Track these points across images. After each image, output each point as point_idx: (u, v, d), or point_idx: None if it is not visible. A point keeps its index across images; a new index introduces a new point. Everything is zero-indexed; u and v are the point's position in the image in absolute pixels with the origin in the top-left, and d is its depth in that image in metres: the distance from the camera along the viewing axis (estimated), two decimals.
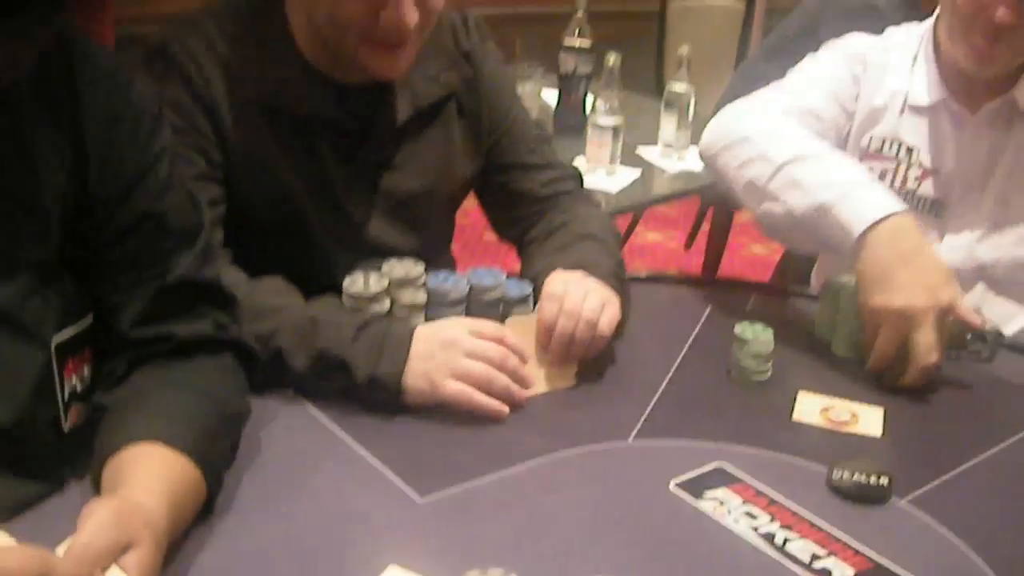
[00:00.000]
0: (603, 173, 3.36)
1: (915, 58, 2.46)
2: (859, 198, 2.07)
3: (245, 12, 2.04)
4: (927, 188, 2.43)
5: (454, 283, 1.92)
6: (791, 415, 1.85)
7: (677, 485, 1.60)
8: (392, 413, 1.75)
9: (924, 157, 2.43)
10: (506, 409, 1.77)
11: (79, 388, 1.52)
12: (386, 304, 1.87)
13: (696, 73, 3.82)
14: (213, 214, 1.86)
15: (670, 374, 1.95)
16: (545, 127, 2.39)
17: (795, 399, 1.89)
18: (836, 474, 1.63)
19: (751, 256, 5.60)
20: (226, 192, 2.00)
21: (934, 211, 2.43)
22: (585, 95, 3.73)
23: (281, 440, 1.66)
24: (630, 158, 3.56)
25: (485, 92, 2.25)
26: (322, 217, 2.08)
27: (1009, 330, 2.25)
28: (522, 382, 1.82)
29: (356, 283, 1.86)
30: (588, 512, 1.56)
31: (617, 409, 1.82)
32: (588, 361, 1.91)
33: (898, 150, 2.45)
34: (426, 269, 1.92)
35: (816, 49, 2.58)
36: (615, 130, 3.36)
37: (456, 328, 1.81)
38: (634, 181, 3.44)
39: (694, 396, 1.89)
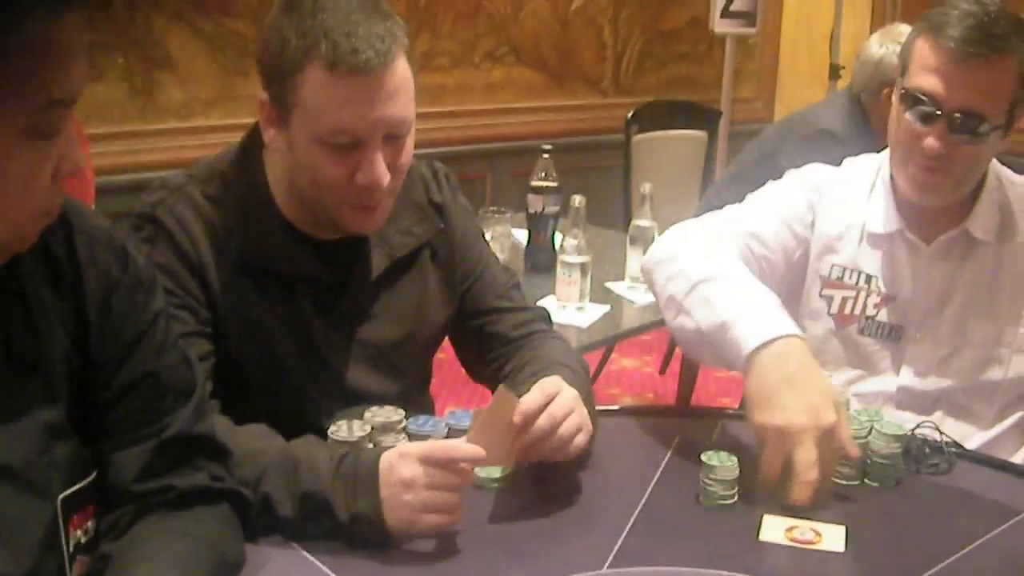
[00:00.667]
0: (573, 309, 3.46)
1: (872, 187, 2.54)
2: (755, 319, 2.14)
3: (227, 175, 2.15)
4: (885, 314, 2.52)
5: (433, 426, 2.03)
6: (758, 535, 1.92)
7: None
8: (380, 546, 1.81)
9: (882, 284, 2.51)
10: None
11: (83, 541, 1.59)
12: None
13: (663, 202, 3.94)
14: (203, 369, 1.92)
15: (642, 502, 2.01)
16: (514, 270, 2.49)
17: (760, 521, 1.95)
18: None
19: (726, 377, 5.67)
20: (214, 347, 2.08)
21: (893, 337, 2.51)
22: (554, 233, 3.83)
23: None
24: (599, 293, 3.66)
25: (457, 242, 2.35)
26: (304, 367, 2.16)
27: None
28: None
29: (340, 430, 1.95)
30: None
31: (591, 538, 1.88)
32: (555, 484, 2.01)
33: (858, 278, 2.53)
34: (406, 414, 2.02)
35: (777, 176, 2.66)
36: (583, 267, 3.46)
37: (410, 467, 1.80)
38: (604, 315, 3.54)
39: (665, 523, 1.95)
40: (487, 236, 3.29)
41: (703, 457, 2.04)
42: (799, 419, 1.98)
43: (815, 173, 2.64)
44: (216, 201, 2.12)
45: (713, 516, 1.99)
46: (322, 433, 1.99)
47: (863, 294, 2.54)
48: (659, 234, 3.59)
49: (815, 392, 2.03)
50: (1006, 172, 2.56)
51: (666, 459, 2.19)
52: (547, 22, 6.71)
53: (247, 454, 1.85)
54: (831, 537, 1.91)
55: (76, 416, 1.59)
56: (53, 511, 1.53)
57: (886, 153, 2.53)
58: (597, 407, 2.20)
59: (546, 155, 3.80)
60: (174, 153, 5.07)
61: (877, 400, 2.48)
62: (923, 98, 2.33)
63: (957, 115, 2.31)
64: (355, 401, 2.17)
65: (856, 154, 2.68)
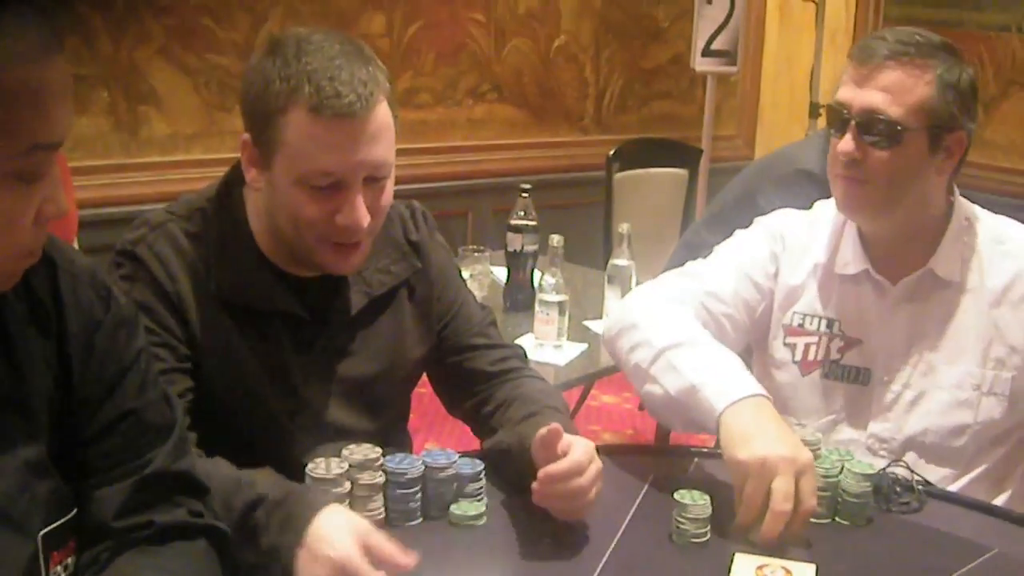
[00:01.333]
0: (551, 348, 3.48)
1: (843, 229, 2.54)
2: (723, 380, 2.19)
3: (207, 212, 2.19)
4: (852, 358, 2.52)
5: (410, 464, 2.04)
6: (729, 574, 1.94)
7: None
8: None
9: (847, 328, 2.52)
10: None
11: None
12: (346, 486, 1.98)
13: (643, 239, 3.97)
14: (182, 405, 1.93)
15: (615, 540, 2.03)
16: (490, 308, 2.52)
17: (732, 560, 1.97)
18: None
19: None
20: (193, 383, 2.11)
21: (861, 380, 2.52)
22: (532, 272, 3.86)
23: None
24: (578, 332, 3.69)
25: (434, 280, 2.38)
26: (282, 403, 2.19)
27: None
28: None
29: (319, 467, 1.97)
30: None
31: (567, 572, 1.92)
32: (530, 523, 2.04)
33: (819, 324, 2.54)
34: (384, 452, 2.04)
35: (756, 214, 2.69)
36: (561, 306, 3.49)
37: (348, 549, 1.77)
38: (581, 353, 3.56)
39: (638, 562, 1.97)
40: (466, 274, 3.35)
41: (676, 496, 2.06)
42: (780, 450, 2.03)
43: (780, 221, 2.65)
44: (196, 238, 2.16)
45: (685, 554, 2.02)
46: (300, 469, 2.01)
47: (825, 339, 2.55)
48: (636, 273, 3.64)
49: (787, 436, 2.09)
50: (979, 212, 2.55)
51: (640, 497, 2.21)
52: (529, 60, 6.74)
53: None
54: None
55: (57, 453, 1.61)
56: (34, 547, 1.54)
57: None
58: None
59: (525, 194, 3.83)
60: (157, 187, 5.07)
61: (849, 446, 2.45)
62: (837, 108, 2.38)
63: (863, 118, 2.34)
64: (333, 437, 2.20)
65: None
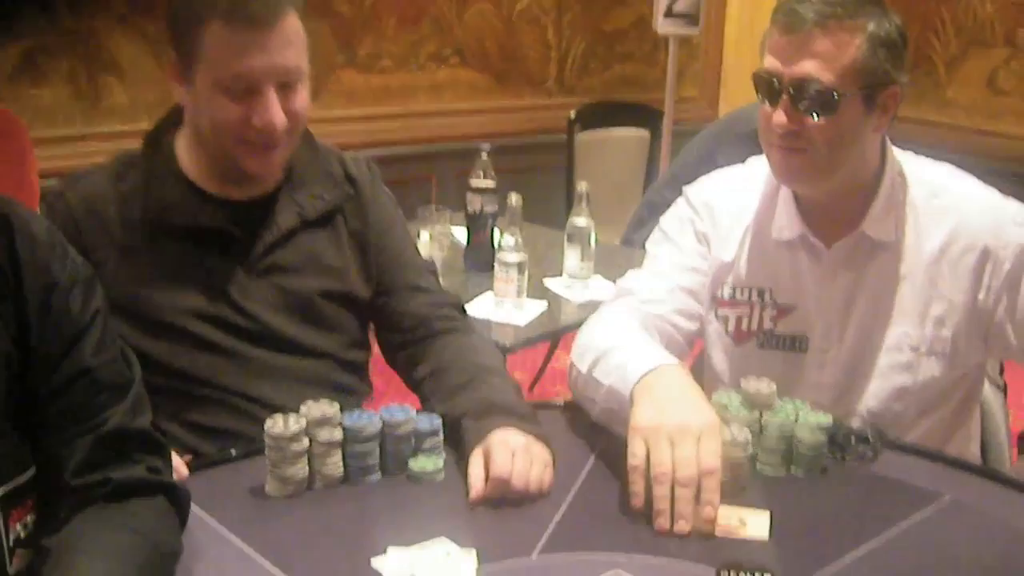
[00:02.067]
0: (511, 307, 3.49)
1: (777, 191, 2.49)
2: (636, 359, 2.19)
3: (135, 157, 2.35)
4: (787, 326, 2.51)
5: (368, 420, 2.05)
6: None
7: None
8: (317, 536, 1.86)
9: (779, 295, 2.51)
10: None
11: (23, 535, 1.63)
12: (305, 443, 1.99)
13: (606, 200, 3.98)
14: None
15: (573, 491, 2.05)
16: (433, 262, 2.57)
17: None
18: (723, 573, 1.75)
19: None
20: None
21: (798, 348, 2.50)
22: (492, 232, 3.86)
23: (208, 570, 1.77)
24: (538, 291, 3.70)
25: (372, 221, 2.48)
26: (228, 315, 2.31)
27: None
28: None
29: (276, 424, 1.98)
30: None
31: (522, 527, 1.93)
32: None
33: (750, 294, 2.52)
34: (341, 409, 2.06)
35: None
36: (520, 266, 3.49)
37: None
38: (541, 313, 3.57)
39: (595, 511, 1.99)
40: (426, 235, 3.36)
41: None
42: (673, 417, 2.02)
43: (707, 190, 2.62)
44: (122, 178, 2.33)
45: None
46: (257, 395, 2.20)
47: (757, 309, 2.53)
48: (596, 232, 3.65)
49: (694, 399, 2.08)
50: (913, 166, 2.49)
51: (598, 451, 2.23)
52: (491, 23, 6.73)
53: None
54: (756, 524, 1.96)
55: (14, 413, 1.62)
56: None
57: None
58: (540, 400, 2.27)
59: (485, 155, 3.83)
60: None
61: None
62: (766, 77, 2.31)
63: (796, 87, 2.26)
64: (288, 352, 2.34)
65: None
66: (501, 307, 3.48)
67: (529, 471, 2.02)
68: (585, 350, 2.36)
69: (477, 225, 3.84)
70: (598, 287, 3.70)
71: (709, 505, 1.94)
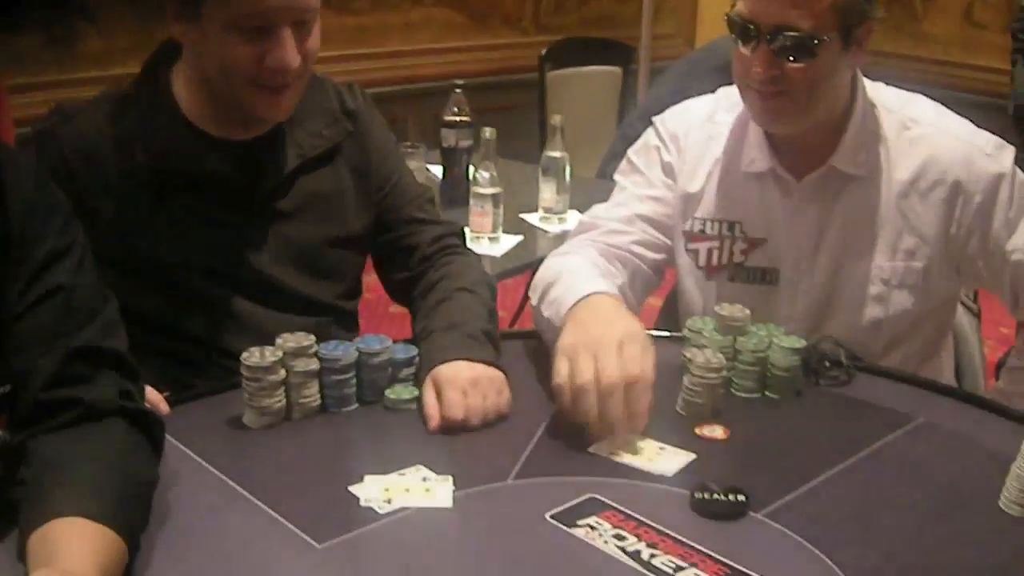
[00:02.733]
0: (487, 240, 3.51)
1: (747, 122, 2.47)
2: (571, 290, 2.19)
3: (129, 95, 2.24)
4: (757, 259, 2.50)
5: (344, 350, 2.06)
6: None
7: (551, 516, 1.73)
8: (291, 462, 1.88)
9: (750, 229, 2.49)
10: None
11: None
12: (281, 373, 2.00)
13: (580, 137, 3.97)
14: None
15: (546, 419, 2.06)
16: (428, 186, 2.55)
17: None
18: (697, 495, 1.78)
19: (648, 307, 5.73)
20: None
21: (768, 280, 2.49)
22: (467, 167, 3.85)
23: (187, 501, 1.77)
24: (514, 224, 3.71)
25: (372, 151, 2.43)
26: (227, 267, 2.25)
27: None
28: None
29: (252, 356, 1.98)
30: (472, 548, 1.69)
31: (498, 453, 1.94)
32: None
33: (720, 228, 2.50)
34: (317, 340, 2.06)
35: None
36: (495, 199, 3.50)
37: None
38: (517, 245, 3.59)
39: (569, 437, 1.99)
40: None
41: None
42: (594, 333, 2.03)
43: (675, 120, 2.60)
44: (117, 118, 2.21)
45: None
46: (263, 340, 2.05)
47: (728, 242, 2.51)
48: (570, 164, 3.65)
49: (623, 321, 2.08)
50: (884, 98, 2.46)
51: None
52: None
53: None
54: (668, 461, 1.95)
55: None
56: None
57: None
58: (516, 329, 2.28)
59: (458, 90, 3.83)
60: None
61: None
62: (741, 23, 2.26)
63: (775, 34, 2.21)
64: (287, 300, 2.29)
65: None
66: (477, 241, 3.48)
67: (482, 405, 2.04)
68: (537, 283, 2.38)
69: (452, 160, 3.83)
70: (574, 220, 3.66)
71: (636, 416, 1.96)
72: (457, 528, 1.73)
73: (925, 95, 2.51)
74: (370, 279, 2.53)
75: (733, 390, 2.20)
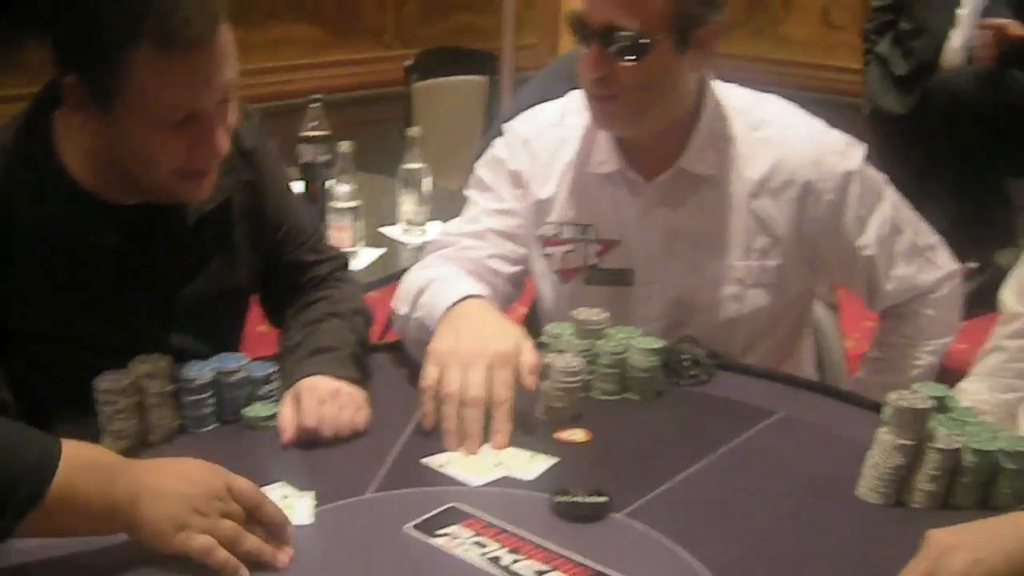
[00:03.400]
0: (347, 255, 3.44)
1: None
2: (445, 293, 2.21)
3: (10, 150, 2.05)
4: (612, 260, 2.49)
5: (200, 370, 2.04)
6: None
7: (412, 527, 1.73)
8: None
9: (603, 231, 2.49)
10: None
11: None
12: (136, 397, 1.96)
13: (447, 147, 3.96)
14: None
15: (408, 431, 2.06)
16: (316, 216, 2.52)
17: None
18: (558, 499, 1.78)
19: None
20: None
21: (624, 281, 2.49)
22: (326, 182, 3.77)
23: None
24: (375, 239, 3.69)
25: (267, 194, 2.32)
26: (121, 337, 2.12)
27: None
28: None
29: (106, 379, 1.95)
30: (331, 562, 1.67)
31: (358, 467, 1.93)
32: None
33: (573, 232, 2.50)
34: (173, 361, 2.03)
35: None
36: (354, 212, 3.48)
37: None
38: (378, 258, 3.57)
39: (431, 450, 1.98)
40: None
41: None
42: (468, 343, 2.06)
43: (525, 125, 2.58)
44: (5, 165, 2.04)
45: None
46: None
47: (581, 245, 2.51)
48: (433, 175, 3.65)
49: (493, 326, 2.12)
50: (734, 98, 2.46)
51: None
52: None
53: None
54: (532, 466, 1.96)
55: None
56: None
57: None
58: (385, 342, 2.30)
59: (315, 104, 3.80)
60: None
61: None
62: (575, 22, 2.26)
63: (605, 34, 2.21)
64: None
65: None
66: None
67: (338, 416, 2.03)
68: (405, 292, 2.37)
69: (311, 175, 3.78)
70: (436, 231, 3.66)
71: (499, 434, 1.98)
72: (317, 544, 1.71)
73: (785, 96, 2.53)
74: None
75: (594, 393, 2.21)
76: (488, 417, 2.00)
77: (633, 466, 1.97)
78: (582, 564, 1.63)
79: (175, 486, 1.63)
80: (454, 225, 2.60)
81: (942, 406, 1.92)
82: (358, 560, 1.68)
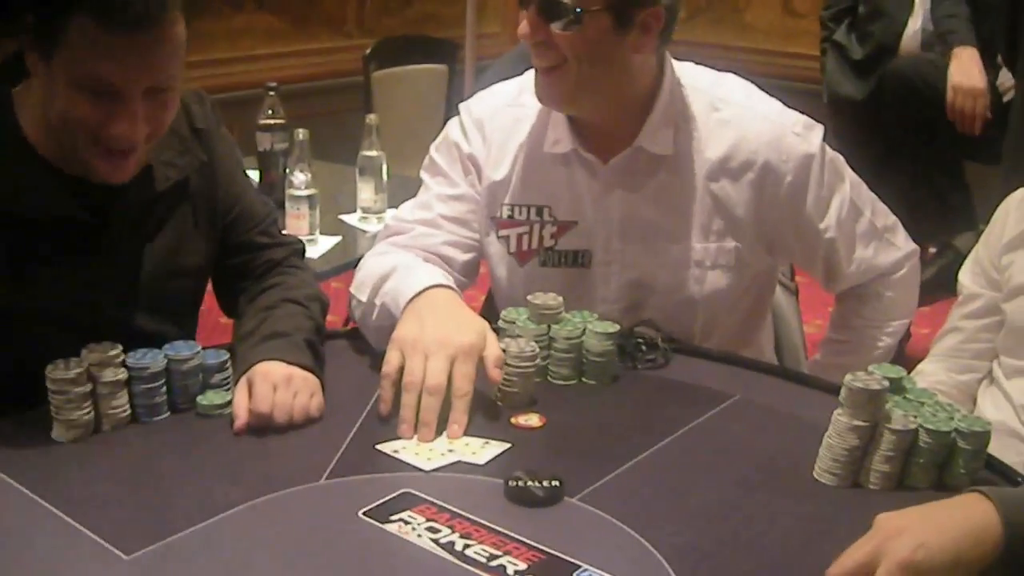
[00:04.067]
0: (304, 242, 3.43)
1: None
2: (409, 282, 2.21)
3: None
4: (568, 242, 2.47)
5: (152, 358, 2.02)
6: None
7: (364, 513, 1.72)
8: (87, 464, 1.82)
9: (559, 212, 2.46)
10: None
11: None
12: (88, 385, 1.95)
13: (406, 136, 3.95)
14: None
15: (361, 417, 2.05)
16: (271, 201, 2.51)
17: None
18: (511, 483, 1.78)
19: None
20: None
21: (580, 263, 2.46)
22: (284, 170, 3.77)
23: None
24: (333, 226, 3.68)
25: (219, 175, 2.33)
26: (72, 312, 2.12)
27: None
28: None
29: (57, 368, 1.93)
30: (285, 550, 1.65)
31: (312, 453, 1.92)
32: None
33: (528, 213, 2.47)
34: (124, 349, 2.02)
35: None
36: (311, 200, 3.47)
37: None
38: (335, 246, 3.57)
39: (384, 436, 1.98)
40: None
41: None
42: (433, 333, 2.06)
43: (481, 106, 2.55)
44: None
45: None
46: None
47: (537, 227, 2.47)
48: (388, 162, 3.63)
49: (458, 318, 2.11)
50: (693, 77, 2.43)
51: None
52: None
53: None
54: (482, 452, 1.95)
55: None
56: None
57: None
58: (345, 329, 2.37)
59: (272, 93, 3.79)
60: None
61: None
62: None
63: None
64: (131, 342, 2.12)
65: None
66: None
67: (291, 402, 2.02)
68: (365, 279, 2.36)
69: (268, 164, 3.77)
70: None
71: (456, 425, 1.98)
72: (269, 530, 1.71)
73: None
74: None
75: (550, 378, 2.20)
76: (446, 406, 1.99)
77: (587, 451, 1.97)
78: (535, 548, 1.63)
79: None
80: (407, 209, 2.58)
81: (898, 387, 1.92)
82: (311, 546, 1.66)
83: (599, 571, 1.58)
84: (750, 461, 1.93)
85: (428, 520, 1.70)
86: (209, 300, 2.50)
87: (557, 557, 1.61)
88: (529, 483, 1.77)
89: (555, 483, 1.78)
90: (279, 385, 2.02)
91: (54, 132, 2.04)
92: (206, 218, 2.32)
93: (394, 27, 7.12)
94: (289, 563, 1.63)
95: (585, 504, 1.77)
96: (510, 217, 2.49)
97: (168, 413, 2.05)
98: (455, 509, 1.73)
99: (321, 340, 2.25)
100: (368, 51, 5.55)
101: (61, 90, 1.95)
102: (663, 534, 1.68)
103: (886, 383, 1.85)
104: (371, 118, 3.77)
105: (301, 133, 3.59)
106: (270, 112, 3.78)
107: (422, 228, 2.49)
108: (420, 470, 1.87)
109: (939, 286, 3.12)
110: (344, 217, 3.79)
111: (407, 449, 1.93)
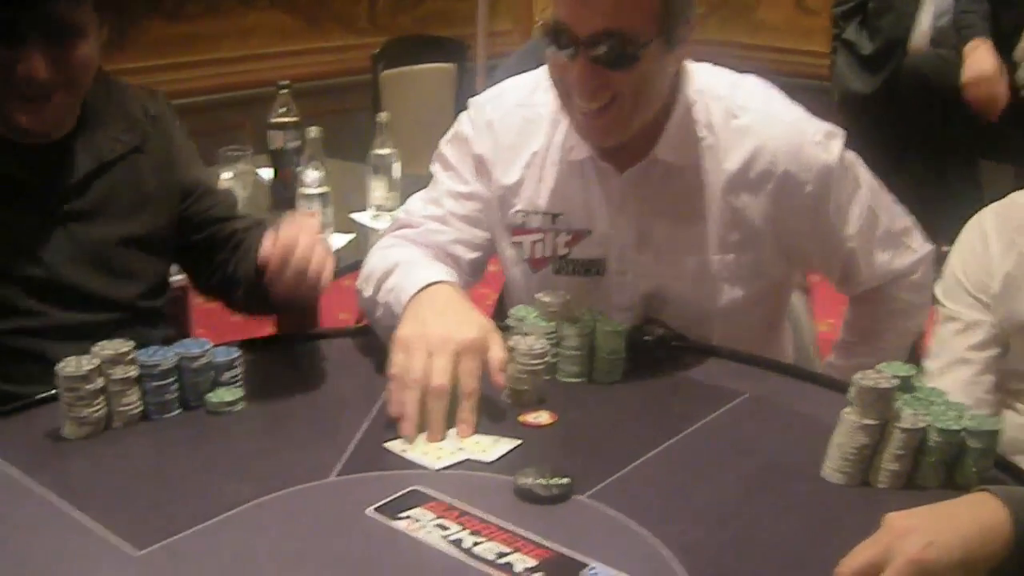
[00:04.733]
0: None
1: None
2: (411, 278, 2.20)
3: None
4: (582, 251, 2.42)
5: (162, 355, 2.02)
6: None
7: (374, 510, 1.72)
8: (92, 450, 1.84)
9: (573, 220, 2.41)
10: None
11: None
12: (99, 382, 1.95)
13: (415, 135, 3.95)
14: None
15: (371, 415, 2.05)
16: (233, 196, 2.55)
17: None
18: (521, 481, 1.77)
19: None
20: None
21: (596, 272, 2.42)
22: (296, 168, 3.76)
23: (2, 516, 1.72)
24: (345, 224, 3.68)
25: (177, 152, 2.43)
26: (24, 271, 2.18)
27: None
28: None
29: (68, 366, 1.93)
30: (294, 547, 1.66)
31: (321, 451, 1.92)
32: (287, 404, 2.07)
33: (542, 221, 2.43)
34: (136, 346, 2.02)
35: None
36: (323, 198, 3.48)
37: None
38: (347, 243, 3.57)
39: (393, 434, 1.97)
40: (228, 175, 3.31)
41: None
42: (435, 329, 2.04)
43: (490, 108, 2.48)
44: None
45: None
46: (54, 353, 1.98)
47: (551, 235, 2.43)
48: (399, 160, 3.63)
49: (461, 315, 2.09)
50: (711, 83, 2.35)
51: None
52: None
53: None
54: (491, 450, 1.95)
55: None
56: None
57: None
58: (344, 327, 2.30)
59: (284, 91, 3.79)
60: None
61: None
62: (558, 29, 2.11)
63: (593, 41, 2.08)
64: (84, 305, 2.21)
65: None
66: None
67: (314, 248, 2.08)
68: (370, 274, 2.35)
69: (281, 162, 3.78)
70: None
71: (464, 424, 1.97)
72: (279, 527, 1.71)
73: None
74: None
75: (559, 376, 2.20)
76: (452, 404, 1.98)
77: (597, 449, 1.96)
78: (544, 546, 1.63)
79: None
80: (417, 203, 2.54)
81: (908, 385, 1.92)
82: (320, 543, 1.67)
83: (608, 569, 1.58)
84: (759, 460, 1.93)
85: (437, 517, 1.70)
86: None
87: (566, 555, 1.61)
88: (539, 480, 1.77)
89: (564, 480, 1.77)
90: (305, 228, 2.09)
91: None
92: (163, 188, 2.40)
93: (406, 24, 7.13)
94: (298, 560, 1.63)
95: (594, 502, 1.77)
96: (522, 224, 2.45)
97: (179, 410, 2.06)
98: (464, 506, 1.73)
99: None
100: (376, 51, 5.55)
101: None
102: (672, 532, 1.68)
103: (895, 381, 1.85)
104: (383, 116, 3.77)
105: (313, 131, 3.59)
106: (282, 110, 3.78)
107: (432, 224, 2.47)
108: (429, 468, 1.87)
109: None
110: (356, 215, 3.79)
111: (416, 447, 1.93)
